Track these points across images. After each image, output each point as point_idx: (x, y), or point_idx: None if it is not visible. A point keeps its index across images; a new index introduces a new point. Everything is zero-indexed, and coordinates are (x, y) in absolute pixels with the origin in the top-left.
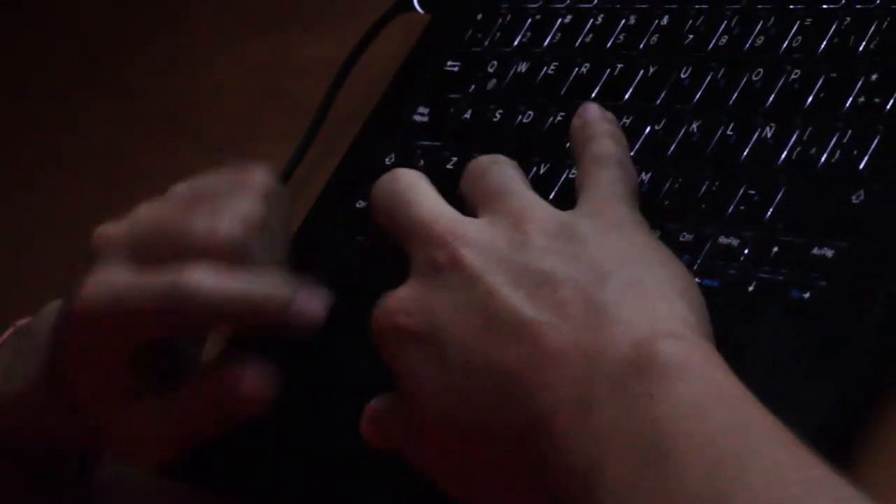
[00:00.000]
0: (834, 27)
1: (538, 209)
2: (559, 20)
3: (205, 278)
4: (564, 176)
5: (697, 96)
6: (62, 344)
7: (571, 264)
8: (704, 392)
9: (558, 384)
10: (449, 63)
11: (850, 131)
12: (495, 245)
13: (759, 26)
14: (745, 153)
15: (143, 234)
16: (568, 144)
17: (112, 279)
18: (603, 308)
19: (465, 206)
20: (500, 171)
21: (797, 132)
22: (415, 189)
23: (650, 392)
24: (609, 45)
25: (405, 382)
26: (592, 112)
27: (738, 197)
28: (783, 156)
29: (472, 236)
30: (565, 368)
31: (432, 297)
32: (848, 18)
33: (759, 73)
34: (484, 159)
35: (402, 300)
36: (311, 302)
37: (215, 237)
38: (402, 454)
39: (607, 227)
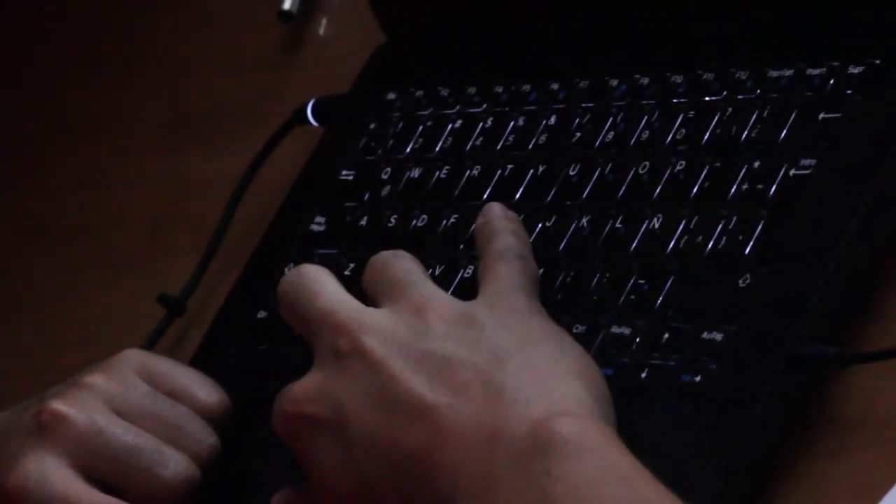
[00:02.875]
0: (716, 118)
1: (438, 299)
2: (450, 125)
3: None
4: (459, 276)
5: (586, 192)
6: None
7: (470, 349)
8: (601, 470)
9: (459, 464)
10: (344, 172)
11: (734, 218)
12: (397, 332)
13: (643, 121)
14: (634, 244)
15: (97, 451)
16: (462, 246)
17: (48, 481)
18: (501, 390)
19: (368, 300)
20: (402, 264)
21: (684, 222)
22: (319, 282)
23: (548, 471)
24: (499, 146)
25: (312, 468)
26: (495, 211)
27: (628, 287)
28: (671, 245)
29: (374, 324)
30: (466, 449)
31: (336, 383)
32: (729, 109)
33: (645, 166)
34: (385, 253)
35: (307, 388)
36: None
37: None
38: None
39: (506, 314)
